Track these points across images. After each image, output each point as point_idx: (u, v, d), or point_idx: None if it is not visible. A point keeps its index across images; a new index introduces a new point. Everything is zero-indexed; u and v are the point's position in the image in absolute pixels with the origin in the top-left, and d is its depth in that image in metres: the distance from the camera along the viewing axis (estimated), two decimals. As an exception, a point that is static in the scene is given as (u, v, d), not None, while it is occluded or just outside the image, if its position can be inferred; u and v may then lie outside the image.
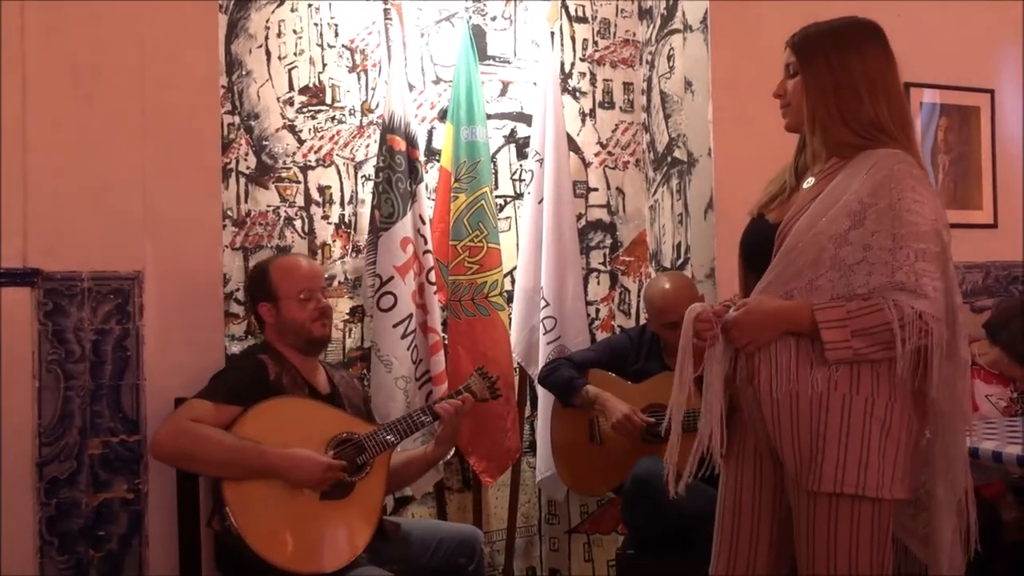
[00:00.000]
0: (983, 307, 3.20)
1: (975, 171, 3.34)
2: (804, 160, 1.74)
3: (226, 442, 2.02)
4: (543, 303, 2.93)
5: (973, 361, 2.79)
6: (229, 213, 2.73)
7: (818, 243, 1.60)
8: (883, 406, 1.59)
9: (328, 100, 2.87)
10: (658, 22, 3.20)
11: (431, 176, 2.94)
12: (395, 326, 2.68)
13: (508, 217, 3.11)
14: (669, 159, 3.16)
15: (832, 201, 1.60)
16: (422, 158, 2.85)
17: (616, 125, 3.27)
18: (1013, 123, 3.40)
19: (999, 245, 3.36)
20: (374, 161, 2.82)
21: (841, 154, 1.66)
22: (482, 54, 3.03)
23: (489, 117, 2.97)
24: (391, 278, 2.68)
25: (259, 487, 2.03)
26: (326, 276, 2.78)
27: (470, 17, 2.99)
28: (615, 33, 3.28)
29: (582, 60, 3.23)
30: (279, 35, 2.81)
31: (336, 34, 2.89)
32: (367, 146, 2.91)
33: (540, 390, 2.92)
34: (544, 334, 2.93)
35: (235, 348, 2.69)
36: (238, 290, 2.73)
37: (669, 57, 3.14)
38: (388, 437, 2.18)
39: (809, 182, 1.70)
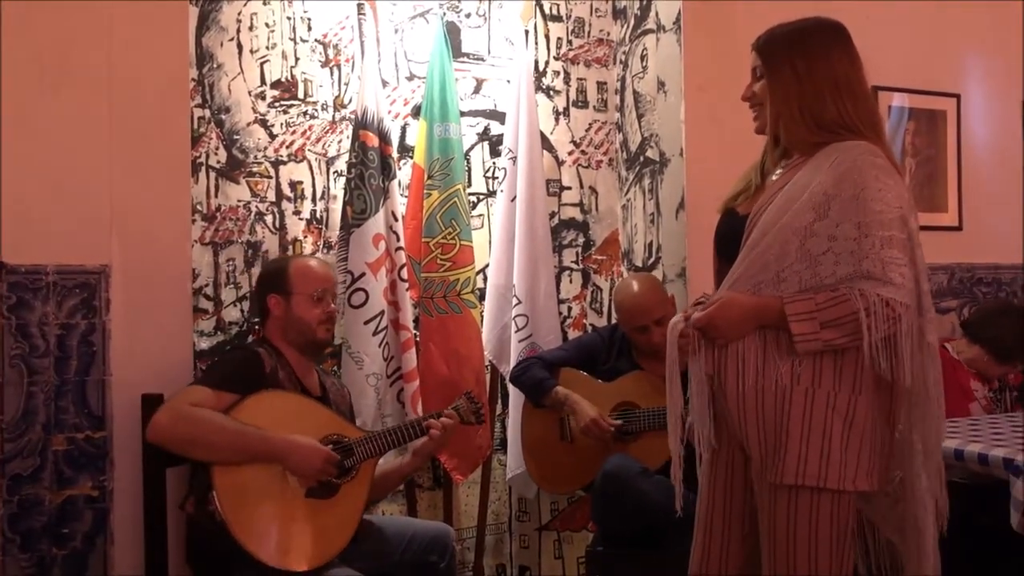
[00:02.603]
0: (947, 308, 3.27)
1: (941, 174, 3.40)
2: (774, 157, 1.76)
3: (227, 425, 2.02)
4: (515, 301, 2.94)
5: (955, 359, 2.86)
6: (199, 208, 2.70)
7: (783, 236, 1.61)
8: (846, 399, 1.61)
9: (300, 95, 2.85)
10: (632, 22, 3.22)
11: (404, 172, 2.93)
12: (366, 323, 2.67)
13: (481, 214, 3.11)
14: (642, 159, 3.17)
15: (797, 193, 1.62)
16: (395, 154, 2.84)
17: (589, 124, 3.28)
18: (978, 127, 3.46)
19: (964, 247, 3.42)
20: (346, 157, 2.81)
21: (805, 152, 1.68)
22: (456, 51, 3.02)
23: (463, 114, 2.97)
24: (363, 275, 2.67)
25: (249, 475, 2.03)
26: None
27: (444, 14, 2.99)
28: (589, 32, 3.29)
29: (556, 59, 3.23)
30: (251, 28, 2.79)
31: (309, 28, 2.86)
32: (339, 142, 2.89)
33: (511, 388, 2.92)
34: (516, 332, 2.93)
35: (204, 344, 2.66)
36: (207, 285, 2.70)
37: (642, 57, 3.16)
38: (377, 444, 2.19)
39: (777, 174, 1.72)
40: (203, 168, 2.72)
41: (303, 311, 2.24)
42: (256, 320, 2.48)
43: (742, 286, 1.65)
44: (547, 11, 3.22)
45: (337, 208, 2.85)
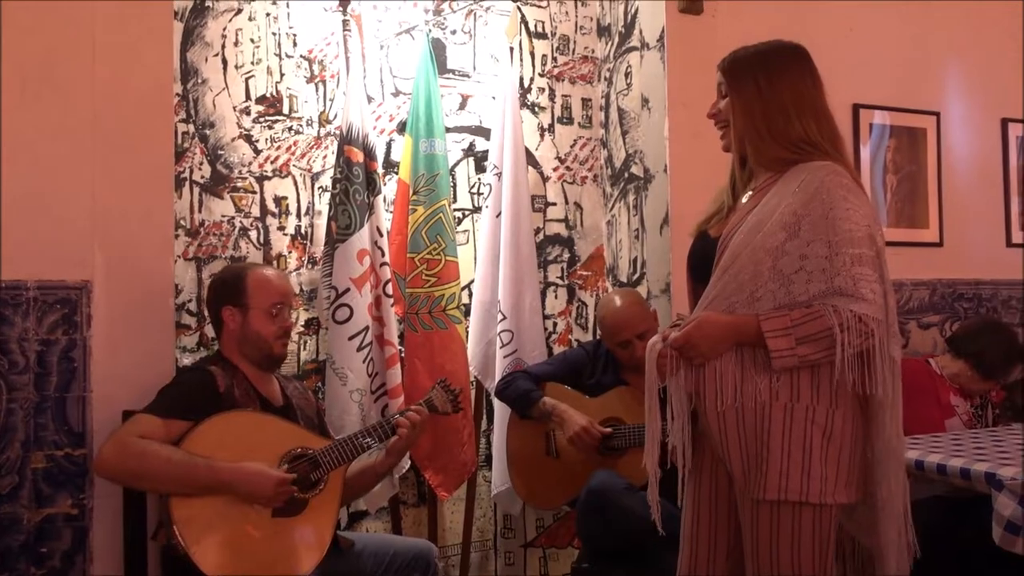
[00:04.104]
0: (929, 323, 3.29)
1: (922, 191, 3.43)
2: (742, 178, 1.80)
3: (174, 458, 1.96)
4: (500, 316, 2.93)
5: (938, 374, 2.89)
6: (182, 223, 2.68)
7: (756, 257, 1.64)
8: (824, 412, 1.63)
9: (285, 110, 2.85)
10: (616, 39, 3.24)
11: (389, 188, 2.94)
12: (351, 339, 2.66)
13: (466, 230, 3.11)
14: (626, 175, 3.19)
15: (767, 215, 1.66)
16: (380, 170, 2.84)
17: (574, 140, 3.30)
18: (958, 145, 3.51)
19: (945, 263, 3.45)
20: (331, 172, 2.81)
21: (775, 169, 1.71)
22: (441, 67, 3.03)
23: (448, 130, 2.98)
24: (347, 290, 2.66)
25: (208, 503, 1.98)
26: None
27: (430, 30, 3.00)
28: (574, 49, 3.31)
29: (541, 75, 3.25)
30: (236, 44, 2.79)
31: (294, 44, 2.87)
32: (324, 157, 2.89)
33: (496, 404, 2.91)
34: (501, 347, 2.93)
35: (186, 360, 2.64)
36: (190, 301, 2.69)
37: (627, 74, 3.18)
38: (343, 452, 2.15)
39: (746, 197, 1.76)
40: (187, 183, 2.71)
41: (260, 326, 2.17)
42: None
43: (717, 306, 1.68)
44: (532, 28, 3.24)
45: (322, 223, 2.84)
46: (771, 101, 1.70)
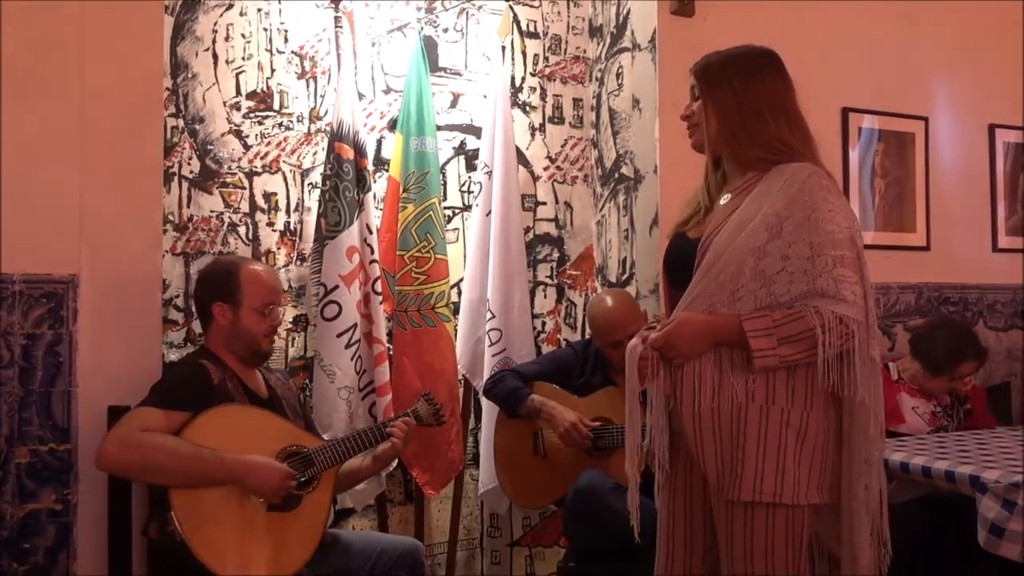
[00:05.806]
0: (916, 327, 3.31)
1: (909, 195, 3.45)
2: (716, 180, 1.81)
3: (181, 450, 1.96)
4: (489, 315, 2.93)
5: (899, 376, 2.90)
6: (171, 218, 2.67)
7: (738, 257, 1.65)
8: (799, 415, 1.64)
9: (276, 106, 2.84)
10: (608, 40, 3.25)
11: (379, 185, 2.93)
12: (339, 336, 2.65)
13: (456, 228, 3.11)
14: (616, 175, 3.20)
15: (749, 215, 1.66)
16: (370, 167, 2.83)
17: (565, 140, 3.30)
18: (946, 150, 3.53)
19: (931, 267, 3.47)
20: (321, 169, 2.80)
21: (753, 168, 1.72)
22: (433, 65, 3.03)
23: (439, 128, 2.97)
24: (336, 287, 2.66)
25: (207, 495, 1.98)
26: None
27: (422, 28, 3.00)
28: (566, 49, 3.31)
29: (533, 75, 3.25)
30: (227, 39, 2.78)
31: (285, 40, 2.86)
32: (314, 153, 2.88)
33: (484, 402, 2.91)
34: (489, 346, 2.93)
35: (173, 355, 2.63)
36: (177, 296, 2.67)
37: (618, 75, 3.18)
38: (336, 453, 2.15)
39: (725, 198, 1.76)
40: (176, 178, 2.69)
41: (251, 323, 2.17)
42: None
43: (698, 306, 1.68)
44: (524, 28, 3.24)
45: (311, 220, 2.83)
46: (746, 102, 1.72)
